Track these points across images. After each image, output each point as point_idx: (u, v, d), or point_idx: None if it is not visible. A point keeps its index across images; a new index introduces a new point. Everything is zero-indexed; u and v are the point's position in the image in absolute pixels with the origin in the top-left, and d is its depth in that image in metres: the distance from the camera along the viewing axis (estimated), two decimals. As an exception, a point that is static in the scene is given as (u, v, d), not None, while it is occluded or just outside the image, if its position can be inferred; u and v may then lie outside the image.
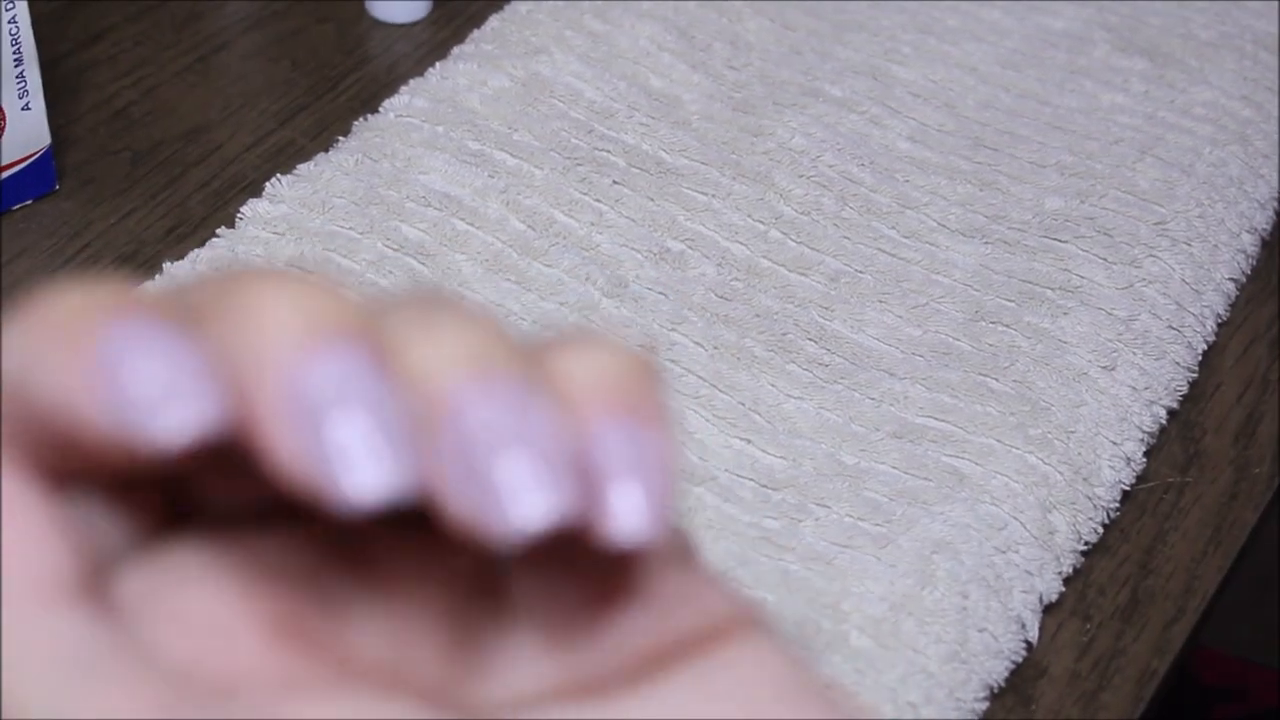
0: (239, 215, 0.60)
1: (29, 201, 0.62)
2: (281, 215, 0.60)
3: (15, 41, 0.59)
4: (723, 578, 0.23)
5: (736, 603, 0.23)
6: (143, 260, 0.60)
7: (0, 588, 0.19)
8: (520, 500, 0.19)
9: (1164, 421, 0.57)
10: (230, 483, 0.22)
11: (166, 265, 0.57)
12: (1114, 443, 0.55)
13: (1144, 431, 0.56)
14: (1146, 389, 0.57)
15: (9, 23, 0.58)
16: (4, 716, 0.19)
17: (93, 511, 0.22)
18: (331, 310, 0.20)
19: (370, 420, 0.19)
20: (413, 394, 0.20)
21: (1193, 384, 0.59)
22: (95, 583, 0.21)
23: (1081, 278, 0.61)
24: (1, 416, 0.20)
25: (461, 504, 0.19)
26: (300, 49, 0.71)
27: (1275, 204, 0.67)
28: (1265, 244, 0.65)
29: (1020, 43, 0.72)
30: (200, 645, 0.21)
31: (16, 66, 0.59)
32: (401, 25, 0.72)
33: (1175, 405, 0.58)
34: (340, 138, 0.64)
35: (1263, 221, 0.66)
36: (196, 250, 0.59)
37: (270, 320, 0.20)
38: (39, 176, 0.62)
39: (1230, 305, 0.62)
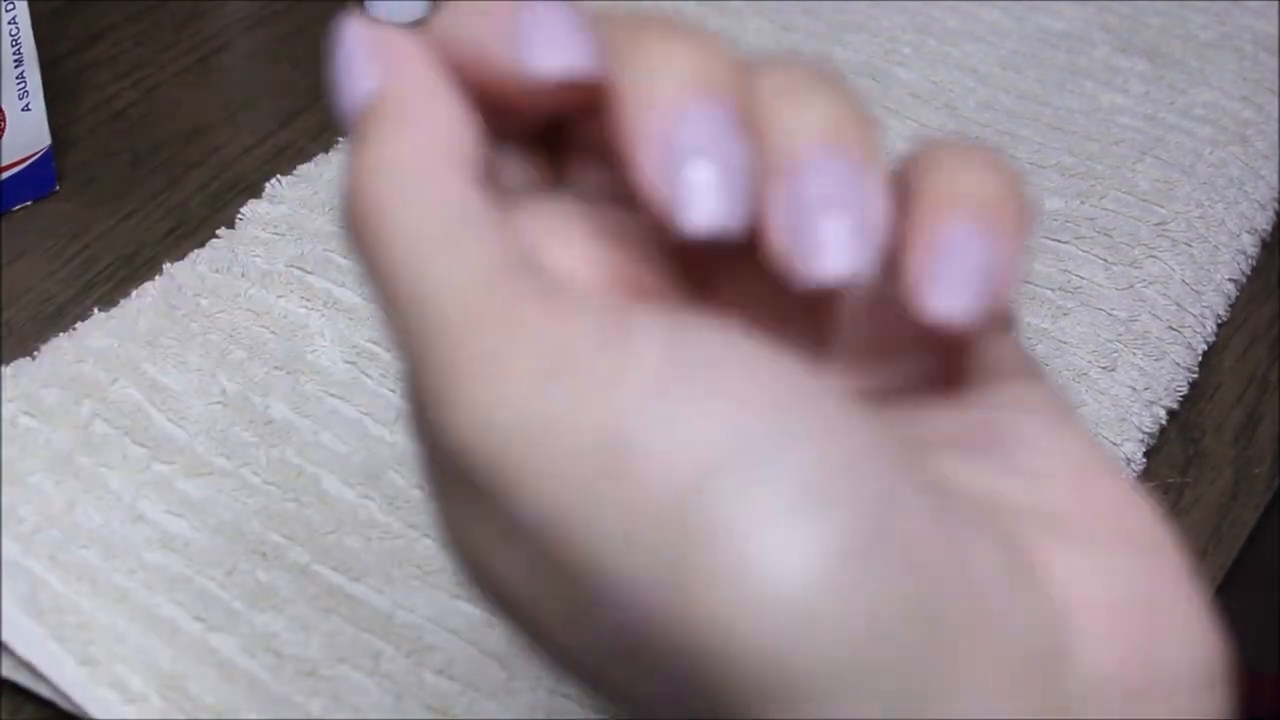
0: (239, 216, 0.60)
1: (29, 202, 0.62)
2: (282, 216, 0.60)
3: (15, 42, 0.59)
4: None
5: (1055, 388, 0.28)
6: (143, 261, 0.60)
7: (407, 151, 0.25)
8: (831, 254, 0.24)
9: (1164, 422, 0.57)
10: (595, 171, 0.28)
11: (166, 266, 0.57)
12: (1114, 443, 0.56)
13: (1144, 432, 0.56)
14: (1146, 389, 0.57)
15: (9, 23, 0.58)
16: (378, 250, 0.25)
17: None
18: (715, 69, 0.25)
19: (720, 170, 0.24)
20: (766, 148, 0.25)
21: (1192, 384, 0.59)
22: (491, 188, 0.26)
23: (1081, 278, 0.61)
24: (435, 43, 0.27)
25: (785, 247, 0.24)
26: (300, 49, 0.71)
27: (1275, 205, 0.67)
28: (1265, 245, 0.65)
29: (1020, 44, 0.72)
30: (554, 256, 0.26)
31: (16, 67, 0.59)
32: (401, 26, 0.72)
33: (1175, 406, 0.58)
34: (340, 138, 0.64)
35: (1263, 222, 0.66)
36: (197, 251, 0.59)
37: (665, 65, 0.25)
38: (39, 177, 0.62)
39: (1230, 306, 0.62)
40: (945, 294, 0.24)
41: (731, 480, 0.22)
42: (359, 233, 0.25)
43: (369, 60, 0.27)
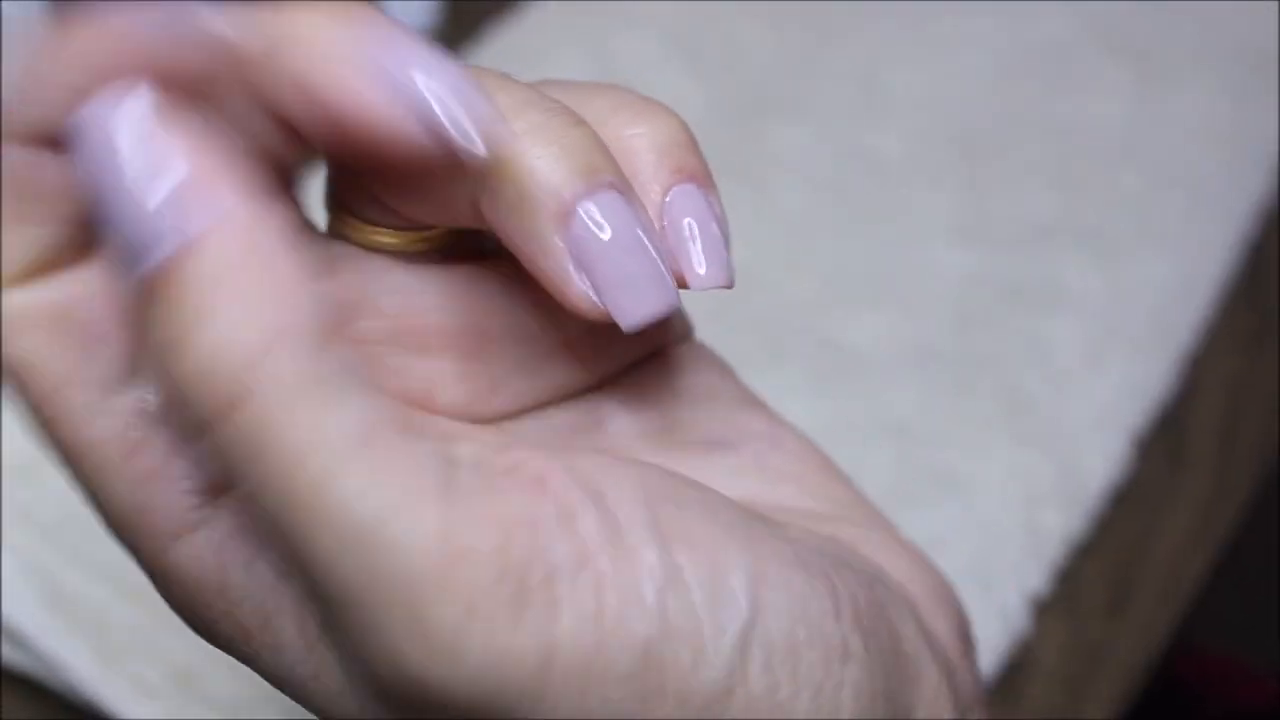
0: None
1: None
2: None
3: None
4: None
5: (773, 413, 0.30)
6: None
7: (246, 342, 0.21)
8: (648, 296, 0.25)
9: (1150, 422, 0.58)
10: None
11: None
12: (1101, 442, 0.56)
13: (1130, 431, 0.57)
14: (1133, 390, 0.58)
15: (22, 31, 0.59)
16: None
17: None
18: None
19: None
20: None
21: (1180, 384, 0.60)
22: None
23: (1069, 281, 0.62)
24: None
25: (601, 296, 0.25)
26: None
27: (1260, 209, 0.67)
28: (1250, 248, 0.66)
29: (1009, 50, 0.73)
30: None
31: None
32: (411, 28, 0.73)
33: (1161, 406, 0.59)
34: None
35: (1248, 226, 0.66)
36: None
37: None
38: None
39: (1215, 308, 0.63)
40: (707, 263, 0.27)
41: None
42: (240, 456, 0.22)
43: (154, 172, 0.21)
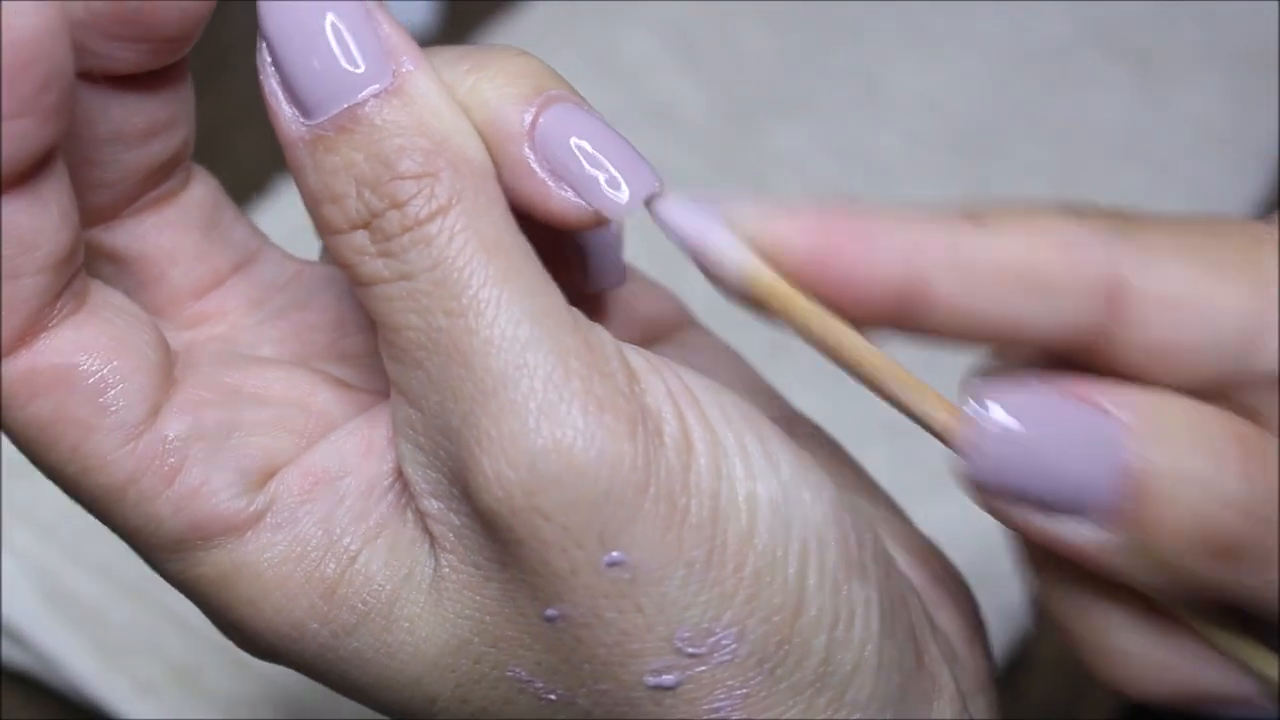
0: (250, 215, 0.61)
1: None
2: (292, 220, 0.61)
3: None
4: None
5: (783, 400, 0.32)
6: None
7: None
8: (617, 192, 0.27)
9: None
10: None
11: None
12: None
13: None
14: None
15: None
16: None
17: None
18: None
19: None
20: None
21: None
22: None
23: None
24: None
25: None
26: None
27: (1261, 209, 0.68)
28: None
29: (1009, 50, 0.73)
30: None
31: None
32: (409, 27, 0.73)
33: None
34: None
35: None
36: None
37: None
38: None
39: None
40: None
41: None
42: None
43: None
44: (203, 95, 0.29)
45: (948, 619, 0.30)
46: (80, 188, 0.27)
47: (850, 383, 0.60)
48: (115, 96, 0.27)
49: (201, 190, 0.30)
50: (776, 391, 0.32)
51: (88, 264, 0.28)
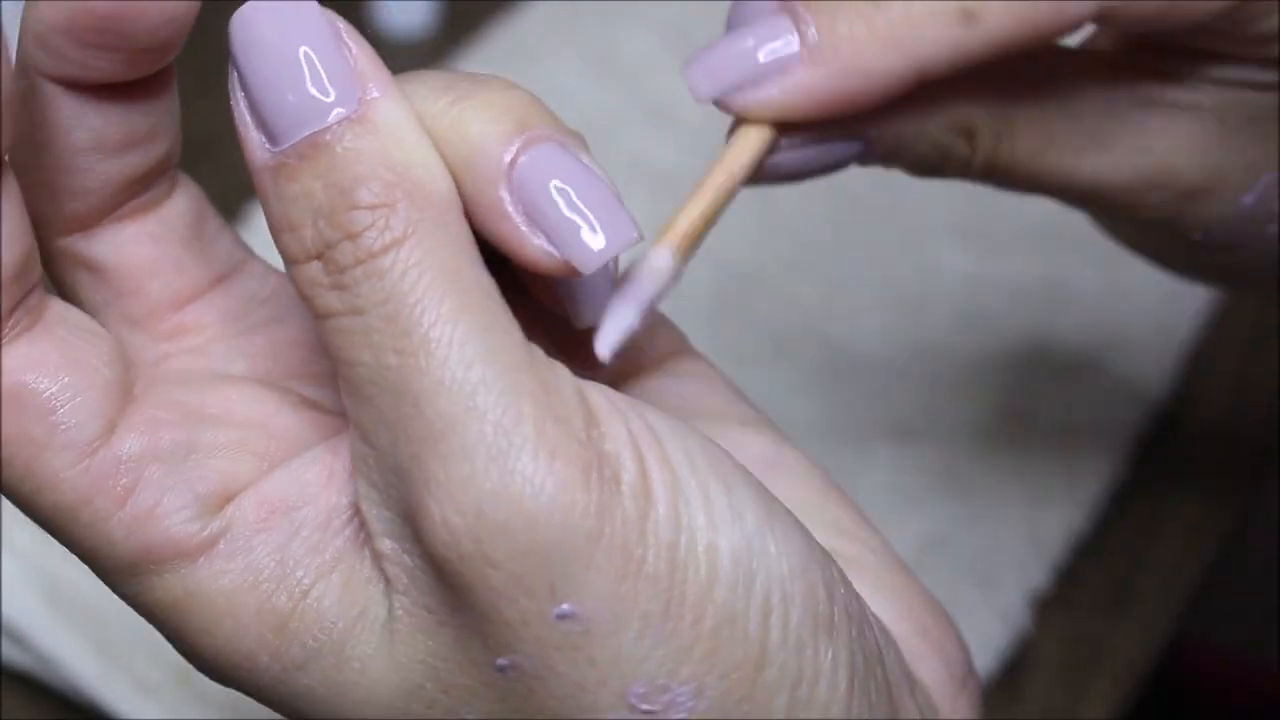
0: (247, 221, 0.61)
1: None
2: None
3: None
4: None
5: (777, 433, 0.31)
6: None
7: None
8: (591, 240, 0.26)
9: (1150, 421, 0.58)
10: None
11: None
12: (1102, 441, 0.57)
13: (1130, 430, 0.57)
14: (1134, 389, 0.58)
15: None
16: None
17: None
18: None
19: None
20: None
21: (1179, 384, 0.60)
22: None
23: (1070, 280, 0.62)
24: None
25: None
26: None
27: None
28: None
29: (1011, 49, 0.73)
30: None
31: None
32: (403, 35, 0.73)
33: (1163, 404, 0.59)
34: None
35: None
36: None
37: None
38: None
39: (1216, 307, 0.63)
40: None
41: None
42: None
43: None
44: (198, 101, 0.29)
45: (930, 673, 0.29)
46: (57, 195, 0.27)
47: (850, 386, 0.60)
48: (93, 105, 0.26)
49: (185, 201, 0.29)
50: (769, 422, 0.31)
51: (65, 271, 0.28)
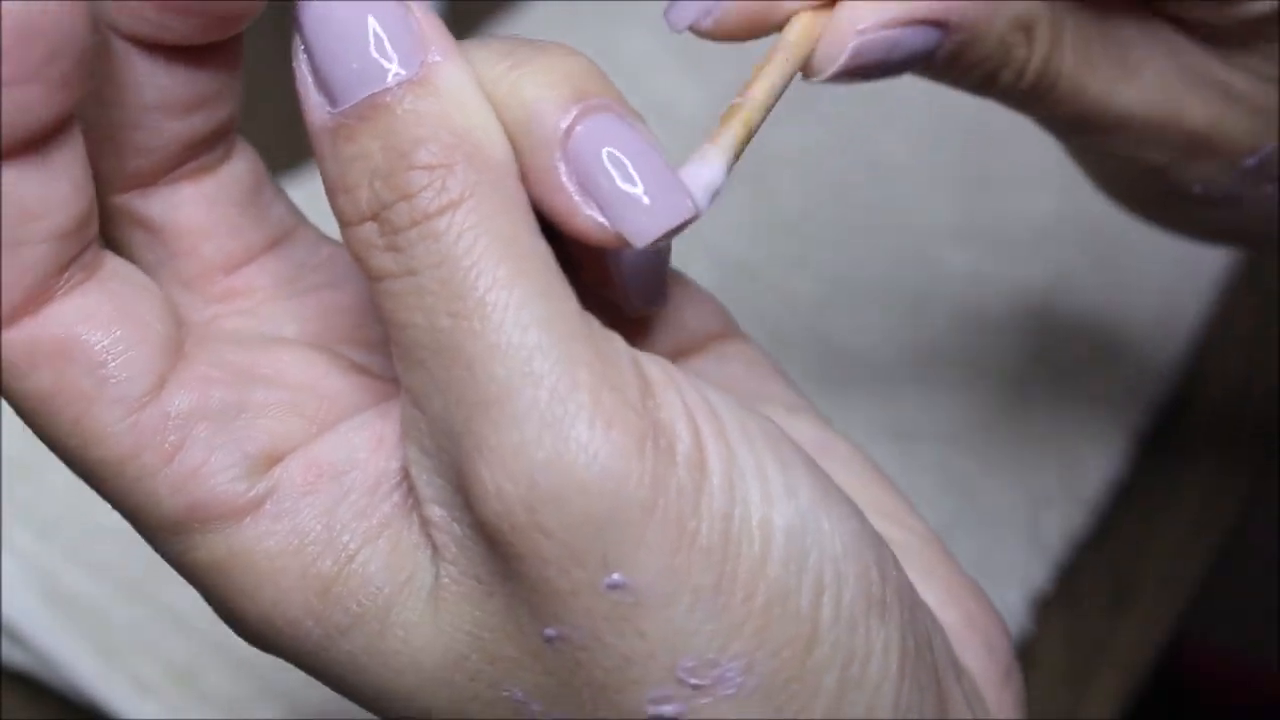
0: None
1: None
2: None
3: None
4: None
5: (823, 420, 0.31)
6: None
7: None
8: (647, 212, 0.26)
9: (1150, 420, 0.58)
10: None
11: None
12: (1102, 440, 0.57)
13: (1130, 429, 0.57)
14: (1135, 387, 0.58)
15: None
16: None
17: None
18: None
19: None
20: None
21: (1180, 382, 0.60)
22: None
23: (1070, 280, 0.62)
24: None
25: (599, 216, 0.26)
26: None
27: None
28: (1251, 246, 0.66)
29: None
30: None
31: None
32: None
33: (1164, 403, 0.59)
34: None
35: (1248, 224, 0.67)
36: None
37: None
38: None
39: (1217, 305, 0.63)
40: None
41: None
42: None
43: None
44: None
45: (975, 661, 0.29)
46: (120, 150, 0.27)
47: (850, 385, 0.60)
48: (164, 65, 0.26)
49: (243, 166, 0.29)
50: (815, 409, 0.31)
51: (120, 229, 0.28)
